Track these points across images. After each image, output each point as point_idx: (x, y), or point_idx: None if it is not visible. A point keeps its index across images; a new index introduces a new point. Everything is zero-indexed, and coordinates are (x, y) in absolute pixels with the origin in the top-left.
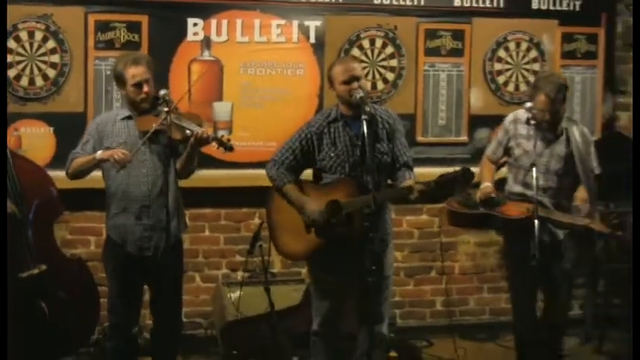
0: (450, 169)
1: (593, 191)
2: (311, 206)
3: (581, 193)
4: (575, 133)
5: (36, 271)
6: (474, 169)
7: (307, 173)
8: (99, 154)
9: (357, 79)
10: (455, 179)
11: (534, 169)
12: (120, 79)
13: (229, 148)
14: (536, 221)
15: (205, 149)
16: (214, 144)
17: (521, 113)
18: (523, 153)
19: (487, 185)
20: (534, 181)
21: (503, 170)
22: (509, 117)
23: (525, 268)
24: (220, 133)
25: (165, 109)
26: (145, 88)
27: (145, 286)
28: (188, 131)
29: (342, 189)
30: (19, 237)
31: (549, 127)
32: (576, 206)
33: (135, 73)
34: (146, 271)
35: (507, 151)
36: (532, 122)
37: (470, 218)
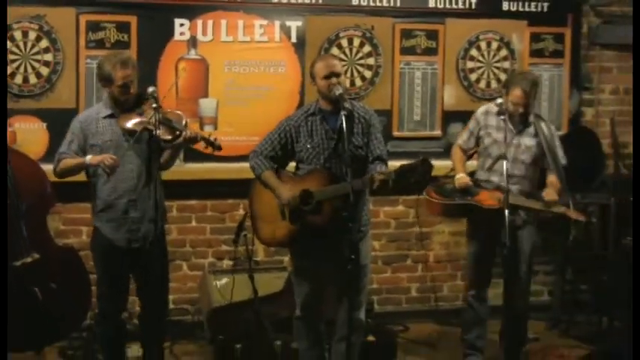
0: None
1: (563, 180)
2: (285, 191)
3: (553, 179)
4: (543, 126)
5: (29, 259)
6: (447, 163)
7: (292, 166)
8: (88, 158)
9: (337, 75)
10: (414, 169)
11: (505, 162)
12: (107, 79)
13: (217, 148)
14: (506, 211)
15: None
16: (202, 143)
17: (493, 106)
18: (493, 142)
19: (462, 176)
20: (504, 171)
21: (473, 163)
22: (481, 109)
23: (481, 255)
24: (206, 128)
25: (154, 105)
26: (131, 90)
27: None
28: (177, 131)
29: (315, 179)
30: (14, 227)
31: (520, 119)
32: (540, 193)
33: (124, 74)
34: (134, 261)
35: (477, 140)
36: (502, 116)
37: (447, 207)
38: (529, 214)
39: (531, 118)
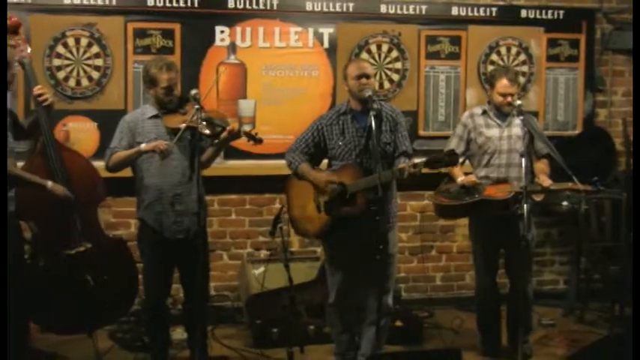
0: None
1: (561, 159)
2: (322, 176)
3: (541, 165)
4: (525, 117)
5: (82, 248)
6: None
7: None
8: (143, 146)
9: (367, 76)
10: (441, 160)
11: (519, 154)
12: (152, 82)
13: (258, 141)
14: (525, 205)
15: (233, 142)
16: (244, 137)
17: (476, 109)
18: (486, 140)
19: (470, 175)
20: (523, 163)
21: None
22: (465, 114)
23: (488, 243)
24: (245, 127)
25: (197, 106)
26: (174, 92)
27: (177, 264)
28: (219, 127)
29: (347, 173)
30: (68, 219)
31: (505, 111)
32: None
33: (167, 77)
34: (177, 252)
35: (468, 144)
36: (486, 113)
37: (457, 208)
38: (532, 203)
39: (514, 111)
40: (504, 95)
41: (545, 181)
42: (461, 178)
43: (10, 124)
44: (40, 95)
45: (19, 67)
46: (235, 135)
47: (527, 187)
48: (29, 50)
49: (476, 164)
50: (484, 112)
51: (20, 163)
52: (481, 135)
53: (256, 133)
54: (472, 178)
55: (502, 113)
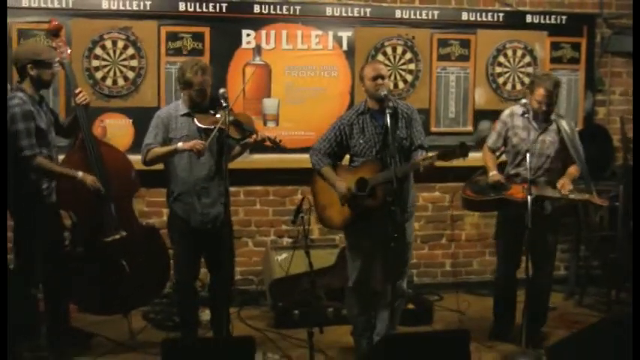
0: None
1: (586, 170)
2: (340, 184)
3: (572, 169)
4: (564, 124)
5: (117, 236)
6: (476, 155)
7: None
8: (180, 145)
9: (382, 77)
10: (454, 152)
11: (528, 155)
12: (187, 84)
13: (280, 148)
14: (529, 197)
15: None
16: (268, 142)
17: (517, 108)
18: (520, 141)
19: (495, 173)
20: (528, 164)
21: (502, 156)
22: (506, 112)
23: (512, 236)
24: (269, 124)
25: (224, 104)
26: (207, 93)
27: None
28: (247, 132)
29: (368, 168)
30: (104, 209)
31: (543, 117)
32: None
33: (201, 80)
34: (205, 240)
35: (505, 140)
36: (526, 115)
37: (482, 203)
38: (554, 203)
39: (553, 117)
40: (540, 103)
41: (564, 186)
42: (492, 173)
43: (52, 121)
44: (78, 95)
45: (59, 67)
46: (260, 141)
47: (531, 191)
48: (69, 52)
49: (510, 161)
50: (524, 114)
51: (61, 157)
52: (516, 135)
53: (280, 140)
54: (497, 177)
55: (540, 117)
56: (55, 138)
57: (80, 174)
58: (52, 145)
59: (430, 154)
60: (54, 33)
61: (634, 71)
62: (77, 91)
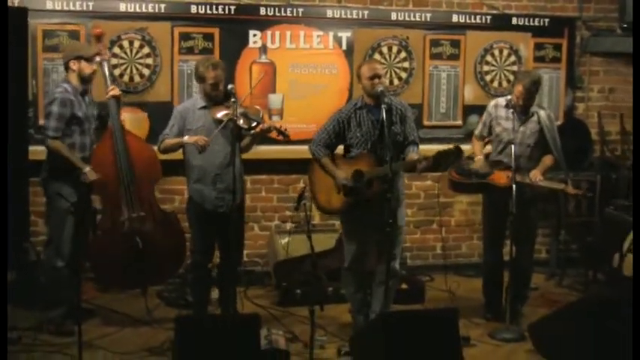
0: (446, 147)
1: (562, 161)
2: (340, 174)
3: (546, 159)
4: (543, 115)
5: (135, 215)
6: (466, 147)
7: (341, 148)
8: (186, 139)
9: (378, 76)
10: (449, 154)
11: (513, 146)
12: (201, 78)
13: (287, 136)
14: (513, 185)
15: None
16: (275, 132)
17: (501, 100)
18: (502, 130)
19: (480, 159)
20: (513, 154)
21: (488, 147)
22: (491, 103)
23: (496, 222)
24: (274, 118)
25: (233, 99)
26: (220, 87)
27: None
28: (253, 122)
29: (363, 160)
30: (125, 190)
31: (522, 110)
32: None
33: (214, 75)
34: (218, 223)
35: (490, 129)
36: (509, 107)
37: (466, 186)
38: (533, 190)
39: (533, 109)
40: (518, 98)
41: (534, 175)
42: (477, 158)
43: (93, 114)
44: (111, 89)
45: (98, 65)
46: (267, 130)
47: (515, 178)
48: (109, 54)
49: (493, 149)
50: (507, 105)
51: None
52: (499, 125)
53: (285, 129)
54: (481, 162)
55: (519, 110)
56: (93, 130)
57: (87, 168)
58: (88, 133)
59: (416, 155)
60: (97, 38)
61: (634, 71)
62: (111, 87)
